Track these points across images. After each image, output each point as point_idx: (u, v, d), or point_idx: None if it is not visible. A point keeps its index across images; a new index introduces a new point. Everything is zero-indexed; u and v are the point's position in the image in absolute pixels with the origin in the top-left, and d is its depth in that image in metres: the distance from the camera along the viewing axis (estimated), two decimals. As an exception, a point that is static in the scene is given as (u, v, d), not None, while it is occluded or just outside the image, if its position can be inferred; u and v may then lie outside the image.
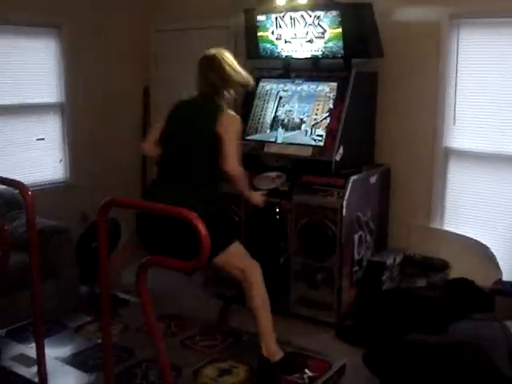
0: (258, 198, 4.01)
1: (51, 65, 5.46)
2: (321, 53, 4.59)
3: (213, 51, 3.63)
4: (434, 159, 4.69)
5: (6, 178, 3.62)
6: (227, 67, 3.55)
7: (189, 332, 3.94)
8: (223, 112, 3.50)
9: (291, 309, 4.44)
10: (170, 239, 3.38)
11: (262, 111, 4.81)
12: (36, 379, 3.35)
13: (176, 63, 5.89)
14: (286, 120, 4.67)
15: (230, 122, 3.50)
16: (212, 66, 3.56)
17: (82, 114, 5.63)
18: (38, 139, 5.44)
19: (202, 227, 2.32)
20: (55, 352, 3.63)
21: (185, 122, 3.60)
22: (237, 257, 3.56)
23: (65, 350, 3.71)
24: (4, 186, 4.25)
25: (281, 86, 4.80)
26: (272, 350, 3.49)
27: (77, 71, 5.54)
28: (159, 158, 3.68)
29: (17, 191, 3.64)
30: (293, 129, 4.61)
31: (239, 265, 3.52)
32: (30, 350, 3.53)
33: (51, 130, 5.55)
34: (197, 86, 3.63)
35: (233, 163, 3.48)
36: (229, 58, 3.61)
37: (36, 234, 3.30)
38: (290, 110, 4.68)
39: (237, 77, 3.58)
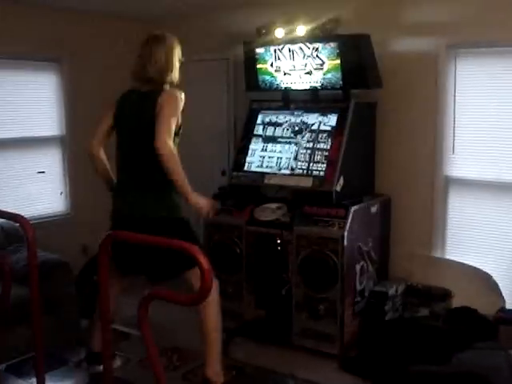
0: (204, 205, 3.52)
1: (52, 98, 5.50)
2: (320, 84, 4.62)
3: (160, 32, 3.61)
4: (434, 188, 4.69)
5: (6, 212, 3.63)
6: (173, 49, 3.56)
7: (191, 365, 3.92)
8: (161, 93, 3.42)
9: (294, 341, 4.40)
10: (143, 255, 3.34)
11: (261, 143, 4.82)
12: (36, 415, 3.32)
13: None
14: (285, 151, 4.68)
15: (166, 100, 3.40)
16: (159, 42, 3.54)
17: (82, 147, 5.62)
18: (38, 172, 5.45)
19: (204, 261, 2.31)
20: (56, 387, 3.60)
21: (130, 116, 3.53)
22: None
23: (66, 385, 3.69)
24: (5, 220, 4.25)
25: (280, 117, 4.82)
26: (217, 371, 3.50)
27: (77, 104, 5.58)
28: (116, 156, 3.62)
29: (17, 224, 3.64)
30: (293, 160, 4.61)
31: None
32: (31, 385, 3.51)
33: (52, 162, 5.57)
34: (137, 70, 3.55)
35: (162, 140, 3.24)
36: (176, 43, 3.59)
37: (37, 267, 3.29)
38: (290, 142, 4.69)
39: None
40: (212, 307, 3.47)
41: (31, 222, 3.29)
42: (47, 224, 5.23)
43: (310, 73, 4.63)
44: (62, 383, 3.71)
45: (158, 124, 3.31)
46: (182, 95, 3.48)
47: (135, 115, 3.51)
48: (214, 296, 3.45)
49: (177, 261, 3.23)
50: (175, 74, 3.58)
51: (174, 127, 3.36)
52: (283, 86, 4.82)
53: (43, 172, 5.49)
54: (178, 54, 3.60)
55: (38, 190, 5.46)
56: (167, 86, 3.53)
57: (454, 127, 4.59)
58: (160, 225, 3.41)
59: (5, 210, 3.75)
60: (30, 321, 3.32)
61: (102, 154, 3.67)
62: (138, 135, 3.48)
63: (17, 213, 3.43)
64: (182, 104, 3.46)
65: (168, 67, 3.53)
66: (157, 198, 3.48)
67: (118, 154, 3.63)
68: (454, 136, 4.60)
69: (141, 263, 3.48)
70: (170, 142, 3.30)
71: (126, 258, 3.45)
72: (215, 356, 3.48)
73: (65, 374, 3.85)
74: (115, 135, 3.65)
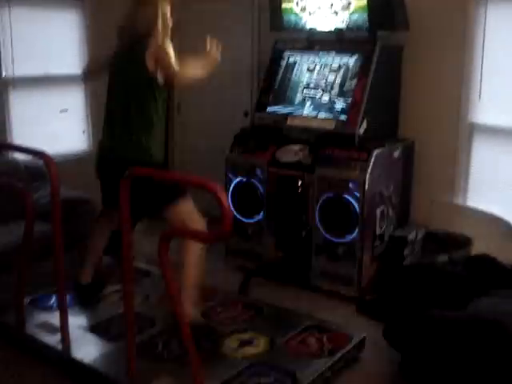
0: (213, 54, 3.75)
1: (75, 36, 5.45)
2: (345, 25, 4.52)
3: None
4: (458, 134, 4.63)
5: (30, 148, 3.67)
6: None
7: (210, 303, 3.97)
8: (152, 38, 3.46)
9: (312, 282, 4.44)
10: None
11: (285, 83, 4.77)
12: (60, 347, 3.41)
13: (200, 37, 5.84)
14: (309, 92, 4.64)
15: (155, 41, 3.44)
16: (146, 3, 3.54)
17: (104, 85, 5.61)
18: (61, 111, 5.45)
19: (224, 199, 2.33)
20: (78, 320, 3.69)
21: (121, 64, 3.62)
22: (185, 210, 3.52)
23: (88, 319, 3.77)
24: (28, 157, 4.29)
25: (304, 58, 4.76)
26: (187, 309, 3.44)
27: (99, 43, 5.52)
28: (106, 102, 3.75)
29: (40, 162, 3.67)
30: (316, 101, 4.58)
31: (185, 219, 3.47)
32: (54, 318, 3.59)
33: (75, 101, 5.56)
34: (128, 23, 3.60)
35: (178, 75, 3.40)
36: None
37: (59, 203, 3.33)
38: (314, 83, 4.64)
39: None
40: (195, 244, 3.48)
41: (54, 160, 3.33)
42: (70, 162, 5.25)
43: (335, 13, 4.53)
44: (83, 317, 3.78)
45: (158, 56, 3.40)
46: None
47: (128, 56, 3.57)
48: (201, 224, 3.54)
49: (158, 197, 3.40)
50: (166, 31, 3.58)
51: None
52: (308, 26, 4.73)
53: (66, 110, 5.49)
54: (166, 11, 3.58)
55: (61, 128, 5.47)
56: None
57: (482, 73, 4.49)
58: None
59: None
60: (53, 256, 3.39)
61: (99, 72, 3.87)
62: (127, 73, 3.57)
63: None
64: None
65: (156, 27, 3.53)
66: (138, 141, 3.54)
67: (108, 100, 3.75)
68: (481, 82, 4.51)
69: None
70: (186, 72, 3.47)
71: (111, 193, 3.50)
72: (188, 292, 3.46)
73: (87, 308, 3.93)
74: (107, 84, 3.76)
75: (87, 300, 3.92)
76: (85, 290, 3.94)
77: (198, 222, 3.50)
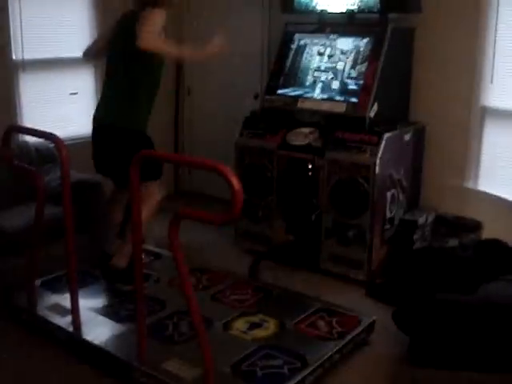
0: (216, 45, 3.80)
1: (84, 18, 5.43)
2: (357, 7, 4.49)
3: None
4: (470, 118, 4.59)
5: (40, 131, 3.67)
6: None
7: (220, 286, 3.99)
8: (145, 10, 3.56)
9: (322, 266, 4.45)
10: (111, 161, 3.82)
11: (295, 66, 4.75)
12: (70, 328, 3.44)
13: (210, 19, 5.83)
14: (320, 75, 4.61)
15: (147, 14, 3.53)
16: None
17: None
18: (71, 93, 5.45)
19: (235, 182, 2.32)
20: (89, 302, 3.71)
21: (119, 32, 3.80)
22: (151, 190, 3.80)
23: (98, 301, 3.80)
24: (38, 140, 4.30)
25: (315, 40, 4.73)
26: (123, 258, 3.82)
27: (109, 24, 5.50)
28: (105, 71, 3.96)
29: (51, 144, 3.68)
30: (327, 84, 4.55)
31: (147, 193, 3.67)
32: (65, 300, 3.62)
33: (85, 84, 5.55)
34: None
35: (143, 36, 3.40)
36: None
37: (70, 186, 3.34)
38: (324, 66, 4.61)
39: None
40: (150, 205, 3.76)
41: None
42: (80, 145, 5.24)
43: (347, -5, 4.50)
44: (93, 299, 3.80)
45: (138, 26, 3.46)
46: (164, 14, 3.58)
47: (122, 30, 3.77)
48: (156, 198, 3.85)
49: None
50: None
51: (158, 29, 3.51)
52: (319, 8, 4.69)
53: (76, 93, 5.49)
54: None
55: (71, 111, 5.47)
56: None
57: (494, 56, 4.45)
58: (124, 135, 3.76)
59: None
60: (64, 239, 3.41)
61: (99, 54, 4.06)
62: (119, 47, 3.74)
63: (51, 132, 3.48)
64: (162, 19, 3.56)
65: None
66: (125, 109, 3.76)
67: (106, 70, 3.95)
68: (493, 65, 4.46)
69: (109, 167, 3.91)
70: (155, 38, 3.48)
71: (100, 160, 3.90)
72: (129, 247, 3.52)
73: (98, 290, 3.96)
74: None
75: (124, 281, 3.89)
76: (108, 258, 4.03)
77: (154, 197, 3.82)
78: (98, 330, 3.45)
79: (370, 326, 3.55)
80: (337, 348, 3.26)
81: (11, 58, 4.88)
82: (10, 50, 4.85)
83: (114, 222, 4.12)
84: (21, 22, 4.87)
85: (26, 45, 4.94)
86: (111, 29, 3.93)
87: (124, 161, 3.32)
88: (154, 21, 3.49)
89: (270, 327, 3.47)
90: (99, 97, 4.06)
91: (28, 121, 4.95)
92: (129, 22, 3.66)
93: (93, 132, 3.91)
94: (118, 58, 3.77)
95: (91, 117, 3.93)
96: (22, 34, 4.89)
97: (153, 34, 3.45)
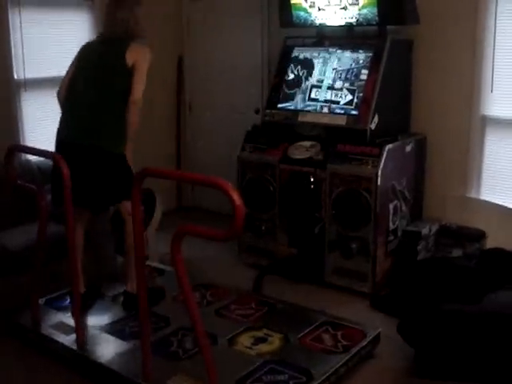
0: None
1: (85, 37, 5.44)
2: (355, 20, 4.51)
3: None
4: (470, 127, 4.60)
5: (42, 150, 3.69)
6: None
7: (224, 301, 3.98)
8: (130, 46, 3.63)
9: (326, 279, 4.44)
10: (89, 187, 3.61)
11: (295, 80, 4.76)
12: (75, 346, 3.43)
13: (209, 31, 5.87)
14: (319, 89, 4.63)
15: (141, 55, 3.62)
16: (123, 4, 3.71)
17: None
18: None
19: (236, 197, 2.33)
20: (93, 320, 3.70)
21: (94, 60, 3.77)
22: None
23: (102, 319, 3.78)
24: (41, 158, 4.31)
25: (315, 54, 4.74)
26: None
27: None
28: (64, 96, 3.85)
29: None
30: (327, 97, 4.56)
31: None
32: (69, 318, 3.61)
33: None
34: (106, 24, 3.81)
35: (138, 95, 3.59)
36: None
37: (72, 204, 3.35)
38: (324, 79, 4.63)
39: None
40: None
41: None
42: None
43: (345, 8, 4.52)
44: (99, 317, 3.80)
45: (136, 79, 3.59)
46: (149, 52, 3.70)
47: (98, 59, 3.75)
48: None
49: (116, 192, 3.60)
50: (142, 28, 3.76)
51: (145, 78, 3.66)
52: (318, 22, 4.72)
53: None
54: (141, 10, 3.77)
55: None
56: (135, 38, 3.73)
57: (493, 65, 4.45)
58: (112, 160, 3.64)
59: (42, 148, 3.83)
60: (67, 257, 3.41)
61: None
62: (100, 80, 3.70)
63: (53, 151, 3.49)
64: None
65: (135, 27, 3.72)
66: (113, 133, 3.68)
67: (70, 91, 3.81)
68: (492, 74, 4.47)
69: (86, 195, 3.64)
70: (140, 95, 3.62)
71: (78, 184, 3.49)
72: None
73: (102, 308, 3.95)
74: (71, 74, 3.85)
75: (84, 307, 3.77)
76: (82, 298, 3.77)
77: None
78: (103, 348, 3.45)
79: (376, 339, 3.53)
80: (342, 361, 3.24)
81: (13, 78, 4.91)
82: (12, 69, 4.88)
83: (77, 242, 3.71)
84: (22, 42, 4.90)
85: (28, 64, 4.96)
86: (76, 60, 3.89)
87: (110, 185, 3.42)
88: (145, 72, 3.62)
89: (275, 342, 3.46)
90: (63, 114, 3.91)
91: (30, 139, 4.96)
92: (110, 55, 3.70)
93: (64, 148, 3.70)
94: (94, 85, 3.71)
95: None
96: (23, 53, 4.92)
97: (143, 88, 3.61)
